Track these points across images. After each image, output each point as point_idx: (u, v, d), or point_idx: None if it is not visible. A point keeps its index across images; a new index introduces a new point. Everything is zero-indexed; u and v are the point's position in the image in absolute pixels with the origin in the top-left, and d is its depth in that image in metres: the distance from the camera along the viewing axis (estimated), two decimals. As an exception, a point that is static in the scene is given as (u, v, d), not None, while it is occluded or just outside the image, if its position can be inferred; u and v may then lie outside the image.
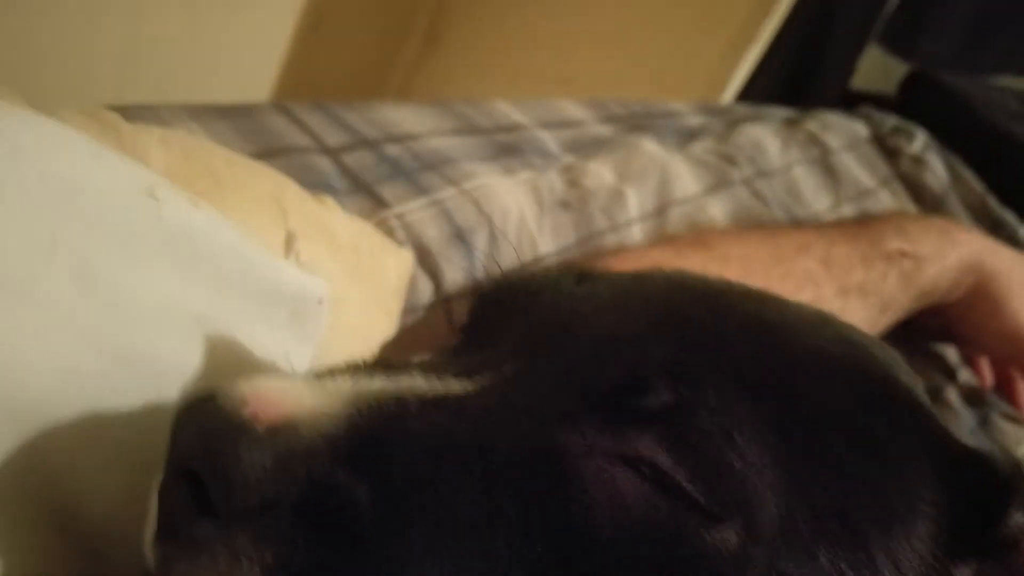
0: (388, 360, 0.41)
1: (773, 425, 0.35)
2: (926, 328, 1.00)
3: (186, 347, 0.41)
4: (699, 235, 0.85)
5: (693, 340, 0.38)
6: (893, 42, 1.65)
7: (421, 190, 0.86)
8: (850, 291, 0.86)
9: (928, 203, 1.24)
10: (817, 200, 1.14)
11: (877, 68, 1.65)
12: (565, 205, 0.93)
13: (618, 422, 0.35)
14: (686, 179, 1.03)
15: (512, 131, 1.04)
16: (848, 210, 1.16)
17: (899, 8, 1.60)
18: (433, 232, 0.81)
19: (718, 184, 1.06)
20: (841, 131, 1.27)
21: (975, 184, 1.29)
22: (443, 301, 0.80)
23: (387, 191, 0.85)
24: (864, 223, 0.93)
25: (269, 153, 0.83)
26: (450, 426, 0.35)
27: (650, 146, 1.06)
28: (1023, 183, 1.38)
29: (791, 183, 1.14)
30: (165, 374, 0.39)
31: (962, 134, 1.42)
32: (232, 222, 0.46)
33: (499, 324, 0.42)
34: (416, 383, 0.36)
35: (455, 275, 0.81)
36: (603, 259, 0.81)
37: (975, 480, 0.38)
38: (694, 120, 1.24)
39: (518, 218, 0.87)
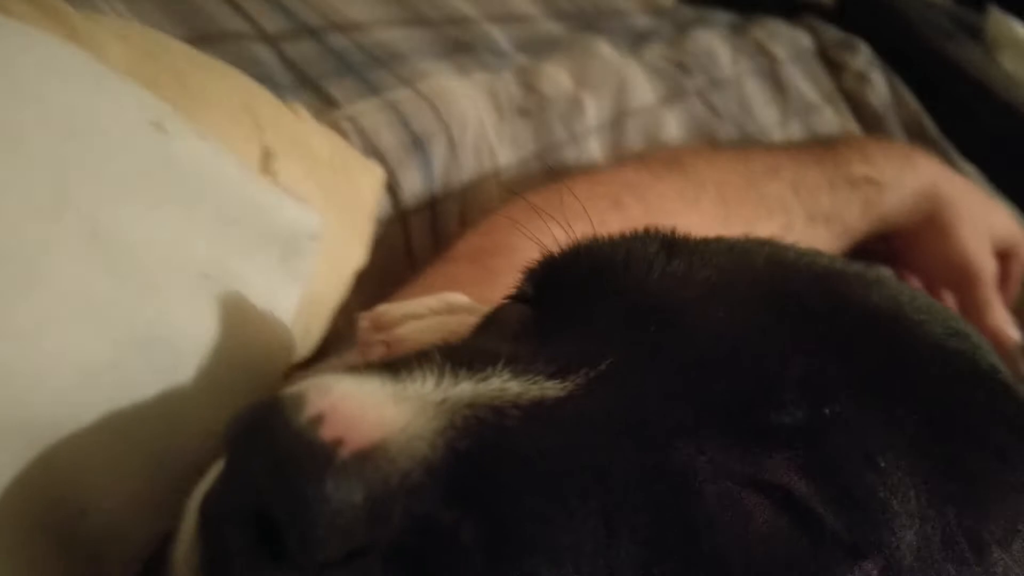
0: (458, 345, 0.35)
1: (911, 442, 0.31)
2: (873, 252, 0.98)
3: (198, 315, 0.34)
4: (673, 156, 0.80)
5: (820, 344, 0.32)
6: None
7: (372, 89, 0.78)
8: (817, 218, 0.84)
9: (869, 121, 1.22)
10: (766, 114, 1.11)
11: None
12: (523, 112, 0.86)
13: (746, 440, 0.30)
14: (642, 87, 0.98)
15: (461, 24, 0.96)
16: (795, 125, 1.13)
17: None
18: (390, 138, 0.74)
19: (673, 94, 1.02)
20: (787, 41, 1.23)
21: (913, 103, 1.28)
22: (401, 218, 0.74)
23: (336, 88, 0.77)
24: (829, 146, 0.90)
25: (203, 39, 0.74)
26: (557, 443, 0.29)
27: (605, 49, 1.00)
28: (954, 103, 1.37)
29: (742, 96, 1.10)
30: (180, 353, 0.33)
31: (899, 50, 1.40)
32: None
33: (581, 303, 0.35)
34: (508, 386, 0.30)
35: (413, 187, 0.75)
36: (574, 178, 0.76)
37: None
38: (642, 21, 1.18)
39: (477, 126, 0.81)
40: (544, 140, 0.86)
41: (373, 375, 0.29)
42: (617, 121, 0.94)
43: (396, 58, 0.83)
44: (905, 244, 0.97)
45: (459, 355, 0.31)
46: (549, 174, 0.84)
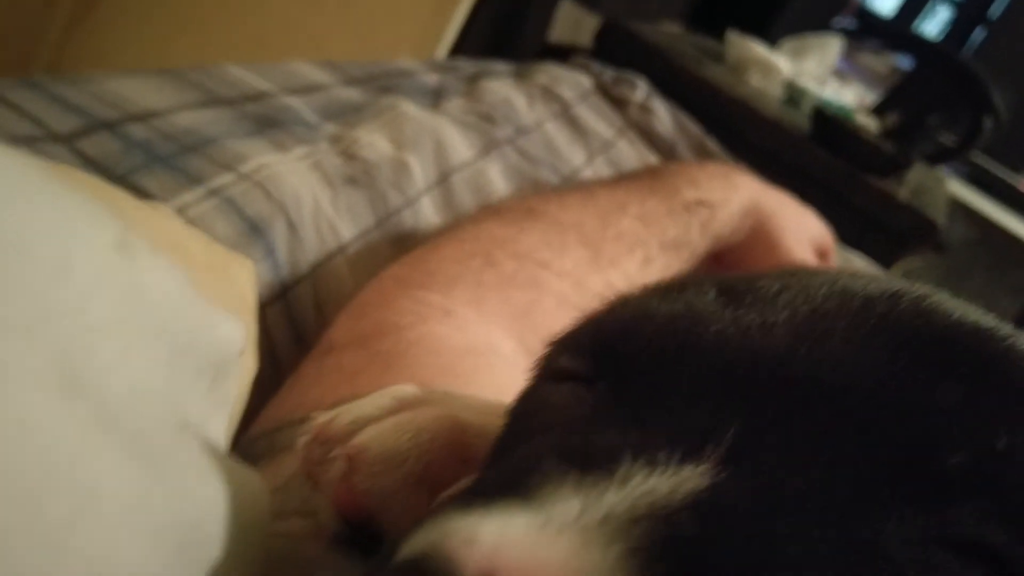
0: (551, 443, 0.29)
1: None
2: (708, 272, 1.00)
3: (205, 483, 0.27)
4: (525, 206, 0.77)
5: (946, 372, 0.29)
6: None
7: (192, 178, 0.71)
8: (668, 247, 0.84)
9: (661, 148, 1.25)
10: (572, 155, 1.11)
11: (569, 21, 1.65)
12: (352, 181, 0.81)
13: (926, 493, 0.26)
14: (458, 142, 0.95)
15: (260, 99, 0.90)
16: (600, 163, 1.14)
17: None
18: (225, 228, 0.67)
19: (487, 146, 0.99)
20: (570, 83, 1.25)
21: (693, 127, 1.32)
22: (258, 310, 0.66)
23: (149, 181, 0.69)
24: (655, 175, 0.91)
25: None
26: (747, 543, 0.24)
27: (411, 108, 0.96)
28: (720, 124, 1.44)
29: (547, 140, 1.09)
30: (208, 534, 0.25)
31: (659, 80, 1.45)
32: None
33: (657, 372, 0.30)
34: (652, 484, 0.25)
35: (262, 277, 0.68)
36: (435, 241, 0.71)
37: None
38: (431, 78, 1.15)
39: (312, 202, 0.75)
40: (380, 208, 0.81)
41: (502, 504, 0.23)
42: (443, 179, 0.90)
43: (206, 142, 0.76)
44: (736, 259, 0.99)
45: (573, 457, 0.26)
46: (395, 243, 0.79)
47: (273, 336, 0.67)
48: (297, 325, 0.70)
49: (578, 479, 0.25)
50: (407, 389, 0.42)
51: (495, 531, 0.22)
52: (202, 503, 0.27)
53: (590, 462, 0.25)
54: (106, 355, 0.25)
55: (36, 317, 0.22)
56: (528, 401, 0.35)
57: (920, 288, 0.35)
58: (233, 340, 0.36)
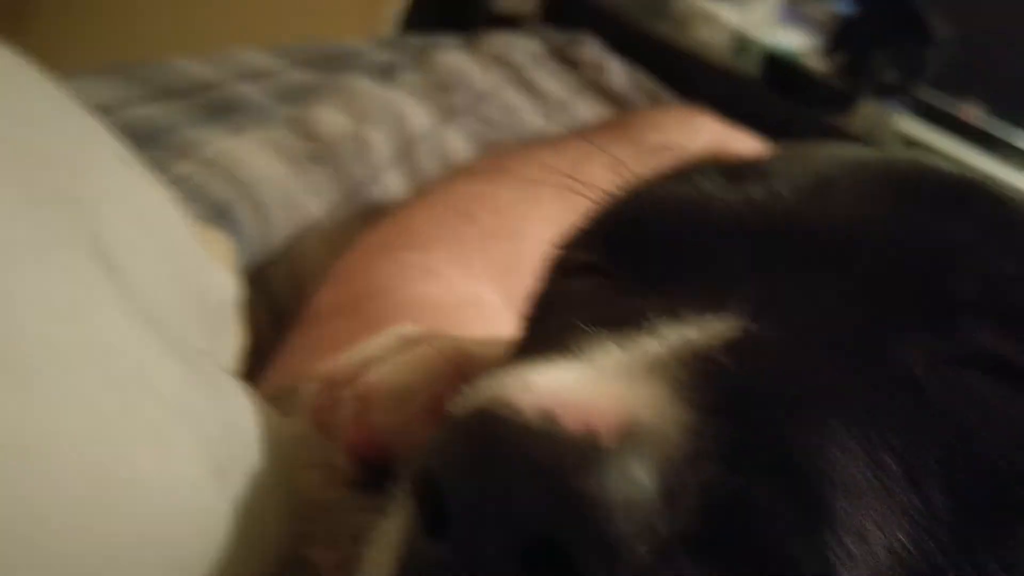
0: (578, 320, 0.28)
1: None
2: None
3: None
4: (496, 164, 0.77)
5: (954, 212, 0.30)
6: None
7: (152, 170, 0.69)
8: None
9: (618, 105, 1.25)
10: (533, 119, 1.10)
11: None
12: (314, 159, 0.79)
13: (945, 320, 0.27)
14: (416, 113, 0.94)
15: (210, 89, 0.88)
16: (560, 124, 1.13)
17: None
18: (190, 214, 0.65)
19: (445, 115, 0.98)
20: (521, 49, 1.24)
21: (647, 81, 1.32)
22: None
23: (108, 177, 0.67)
24: (620, 123, 0.91)
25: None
26: (789, 377, 0.25)
27: (365, 84, 0.95)
28: (671, 75, 1.43)
29: (505, 105, 1.08)
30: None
31: (607, 39, 1.44)
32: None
33: (673, 251, 0.31)
34: (682, 335, 0.25)
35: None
36: (407, 206, 0.70)
37: None
38: (381, 56, 1.13)
39: (276, 182, 0.73)
40: (346, 183, 0.80)
41: (548, 362, 0.24)
42: (406, 150, 0.89)
43: (161, 132, 0.74)
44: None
45: (605, 321, 0.26)
46: (365, 217, 0.77)
47: (254, 318, 0.66)
48: (274, 303, 0.68)
49: (615, 336, 0.25)
50: (409, 329, 0.41)
51: (548, 379, 0.22)
52: (238, 414, 0.26)
53: (622, 323, 0.26)
54: (127, 250, 0.24)
55: (67, 196, 0.22)
56: (546, 297, 0.36)
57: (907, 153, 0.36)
58: (229, 288, 0.35)
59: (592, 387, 0.22)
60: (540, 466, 0.20)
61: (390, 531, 0.24)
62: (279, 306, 0.68)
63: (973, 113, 2.24)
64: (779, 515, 0.22)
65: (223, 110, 0.83)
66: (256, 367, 0.62)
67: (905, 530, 0.24)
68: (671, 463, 0.21)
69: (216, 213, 0.67)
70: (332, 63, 1.05)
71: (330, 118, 0.85)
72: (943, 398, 0.26)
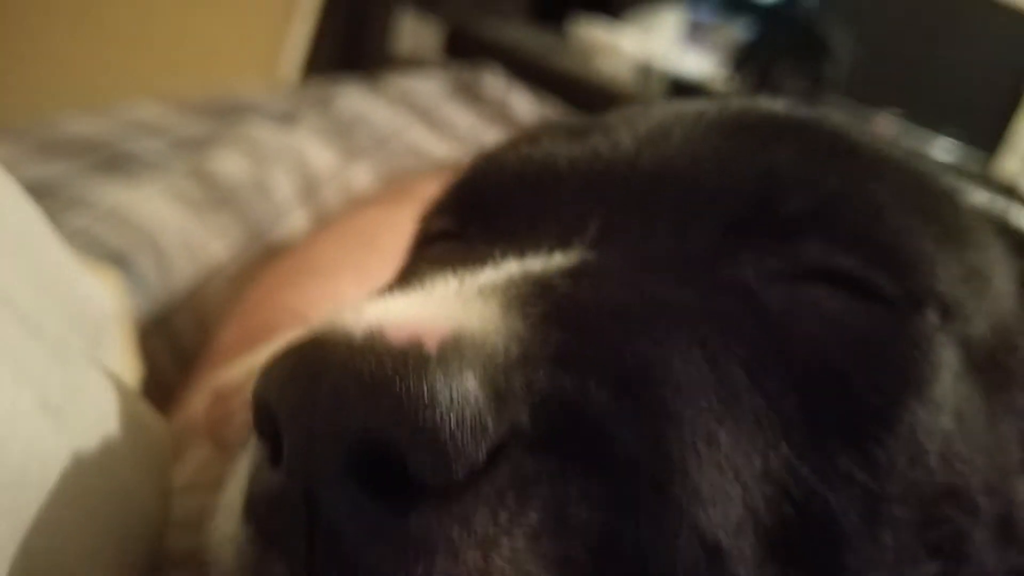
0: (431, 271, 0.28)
1: (908, 208, 0.31)
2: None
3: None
4: (399, 188, 0.76)
5: (779, 140, 0.32)
6: (425, 3, 1.65)
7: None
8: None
9: (526, 136, 1.25)
10: (441, 153, 1.10)
11: (414, 32, 1.64)
12: (216, 203, 0.78)
13: (776, 239, 0.30)
14: (320, 155, 0.93)
15: (104, 147, 0.86)
16: (468, 155, 1.13)
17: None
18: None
19: (350, 154, 0.98)
20: (424, 87, 1.24)
21: (552, 108, 1.33)
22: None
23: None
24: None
25: None
26: (622, 294, 0.26)
27: (265, 130, 0.94)
28: (578, 108, 1.45)
29: (411, 141, 1.08)
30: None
31: (512, 76, 1.46)
32: None
33: (518, 201, 0.33)
34: (521, 266, 0.27)
35: (132, 305, 0.64)
36: (312, 237, 0.69)
37: None
38: (282, 105, 1.13)
39: (177, 228, 0.72)
40: (250, 225, 0.79)
41: (388, 297, 0.25)
42: (310, 190, 0.88)
43: (55, 189, 0.72)
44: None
45: (449, 265, 0.27)
46: (270, 256, 0.76)
47: (157, 363, 0.64)
48: (177, 346, 0.67)
49: (455, 272, 0.26)
50: (300, 332, 0.41)
51: (380, 306, 0.23)
52: (84, 378, 0.25)
53: (466, 264, 0.27)
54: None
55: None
56: (406, 268, 0.38)
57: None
58: (102, 297, 0.34)
59: (421, 308, 0.23)
60: (363, 375, 0.20)
61: (240, 471, 0.24)
62: (183, 349, 0.67)
63: (886, 123, 2.30)
64: (615, 413, 0.22)
65: (119, 165, 0.81)
66: (161, 409, 0.60)
67: (757, 434, 0.25)
68: (498, 367, 0.22)
69: (116, 261, 0.66)
70: (230, 114, 1.04)
71: (230, 163, 0.84)
72: (782, 310, 0.28)
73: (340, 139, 1.00)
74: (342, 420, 0.20)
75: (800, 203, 0.30)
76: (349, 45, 1.45)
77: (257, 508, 0.23)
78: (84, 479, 0.25)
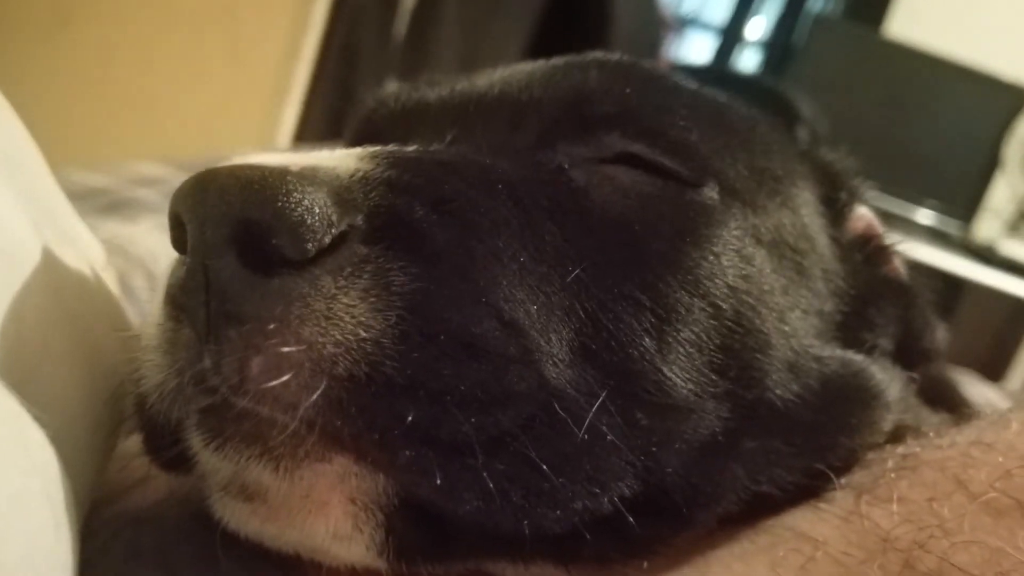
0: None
1: (699, 119, 0.41)
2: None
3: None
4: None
5: (599, 69, 0.43)
6: (409, 72, 1.73)
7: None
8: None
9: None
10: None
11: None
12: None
13: (585, 134, 0.39)
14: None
15: (105, 193, 0.94)
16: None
17: (406, 39, 1.70)
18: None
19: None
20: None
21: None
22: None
23: None
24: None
25: None
26: (455, 158, 0.36)
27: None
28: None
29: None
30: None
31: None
32: None
33: (390, 128, 0.45)
34: (375, 150, 0.36)
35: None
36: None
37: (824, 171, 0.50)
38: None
39: (168, 258, 0.79)
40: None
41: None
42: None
43: (57, 219, 0.80)
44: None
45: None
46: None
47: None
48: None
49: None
50: None
51: (265, 156, 0.32)
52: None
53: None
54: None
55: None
56: None
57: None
58: (98, 254, 0.41)
59: (295, 157, 0.32)
60: (242, 179, 0.29)
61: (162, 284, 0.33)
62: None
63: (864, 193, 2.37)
64: (431, 221, 0.31)
65: (117, 207, 0.89)
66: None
67: (556, 260, 0.34)
68: (343, 184, 0.31)
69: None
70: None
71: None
72: (587, 182, 0.38)
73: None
74: (225, 208, 0.29)
75: (605, 108, 0.40)
76: (336, 117, 1.55)
77: (171, 292, 0.32)
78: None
